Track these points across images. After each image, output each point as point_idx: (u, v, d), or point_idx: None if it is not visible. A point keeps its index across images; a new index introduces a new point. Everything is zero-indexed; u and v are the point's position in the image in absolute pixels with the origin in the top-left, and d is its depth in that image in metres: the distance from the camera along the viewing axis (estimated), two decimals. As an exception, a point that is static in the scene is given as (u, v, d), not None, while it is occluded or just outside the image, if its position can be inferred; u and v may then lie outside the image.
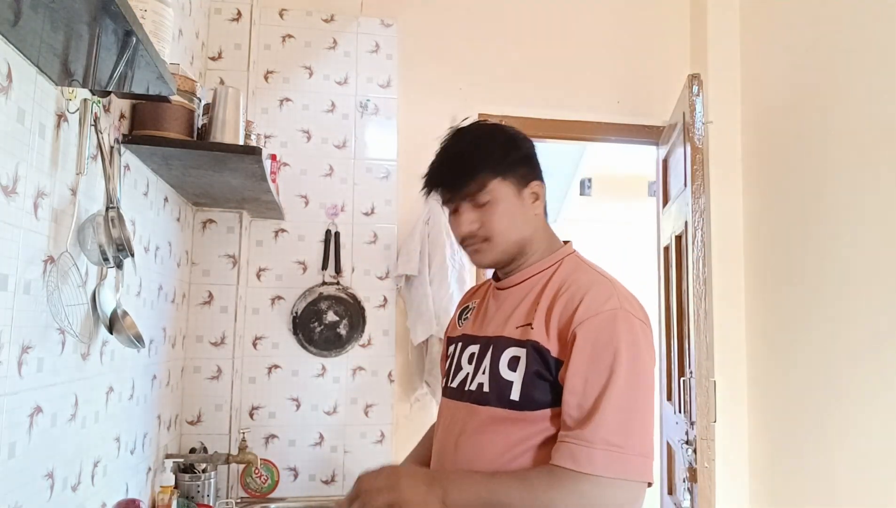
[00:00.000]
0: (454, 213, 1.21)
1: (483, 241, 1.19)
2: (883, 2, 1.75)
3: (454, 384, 1.24)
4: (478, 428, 1.15)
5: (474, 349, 1.22)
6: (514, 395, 1.11)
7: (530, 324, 1.13)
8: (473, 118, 1.26)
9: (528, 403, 1.10)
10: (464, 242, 1.21)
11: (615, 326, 1.07)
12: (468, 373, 1.21)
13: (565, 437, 1.05)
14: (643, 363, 1.08)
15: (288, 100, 2.47)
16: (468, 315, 1.33)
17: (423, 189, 1.22)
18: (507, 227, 1.18)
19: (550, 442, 1.08)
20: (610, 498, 1.02)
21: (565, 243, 1.28)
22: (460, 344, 1.28)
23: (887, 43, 1.72)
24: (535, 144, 1.26)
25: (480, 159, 1.17)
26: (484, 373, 1.16)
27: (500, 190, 1.17)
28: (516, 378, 1.11)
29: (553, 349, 1.10)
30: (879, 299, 1.70)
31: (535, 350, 1.10)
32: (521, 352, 1.12)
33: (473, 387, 1.18)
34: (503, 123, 2.73)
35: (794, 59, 2.18)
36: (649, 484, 1.05)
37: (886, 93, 1.71)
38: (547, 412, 1.10)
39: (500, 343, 1.16)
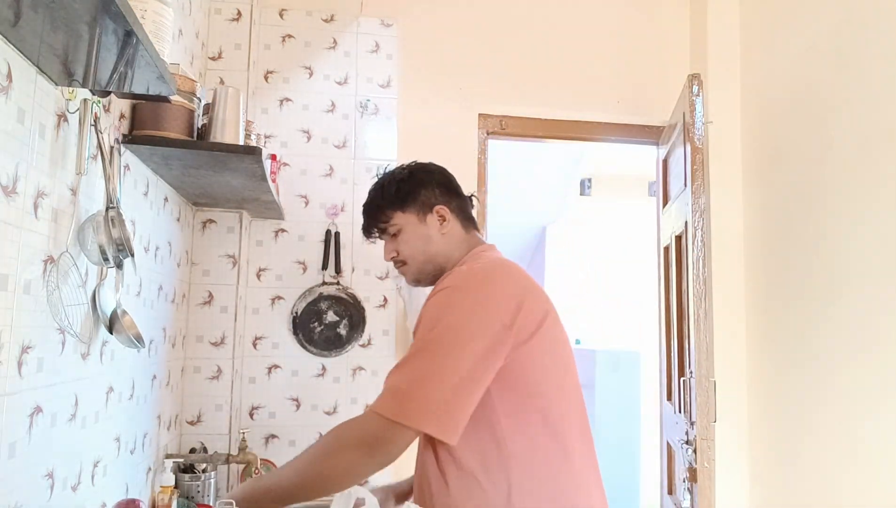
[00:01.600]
0: (384, 244, 1.46)
1: (402, 264, 1.43)
2: (883, 1, 1.75)
3: None
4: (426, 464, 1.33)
5: None
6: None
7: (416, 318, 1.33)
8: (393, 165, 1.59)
9: None
10: (395, 266, 1.47)
11: (439, 305, 1.25)
12: None
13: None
14: (464, 328, 1.19)
15: (288, 100, 2.47)
16: None
17: (362, 231, 1.49)
18: (417, 249, 1.40)
19: (484, 418, 1.21)
20: (356, 428, 1.21)
21: (486, 245, 1.44)
22: None
23: (887, 43, 1.72)
24: (442, 170, 1.47)
25: (382, 199, 1.43)
26: None
27: (402, 220, 1.40)
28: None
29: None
30: (879, 299, 1.70)
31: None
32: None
33: None
34: (503, 123, 2.77)
35: (794, 59, 2.18)
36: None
37: (887, 93, 1.71)
38: None
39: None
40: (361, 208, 1.48)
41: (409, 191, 1.41)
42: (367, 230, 1.47)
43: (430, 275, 1.41)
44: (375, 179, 1.50)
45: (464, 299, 1.23)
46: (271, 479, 1.24)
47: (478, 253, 1.40)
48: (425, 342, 1.20)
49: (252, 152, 1.70)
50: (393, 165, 2.51)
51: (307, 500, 1.19)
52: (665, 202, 2.76)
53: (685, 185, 2.33)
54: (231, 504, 1.14)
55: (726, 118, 2.49)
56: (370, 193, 1.47)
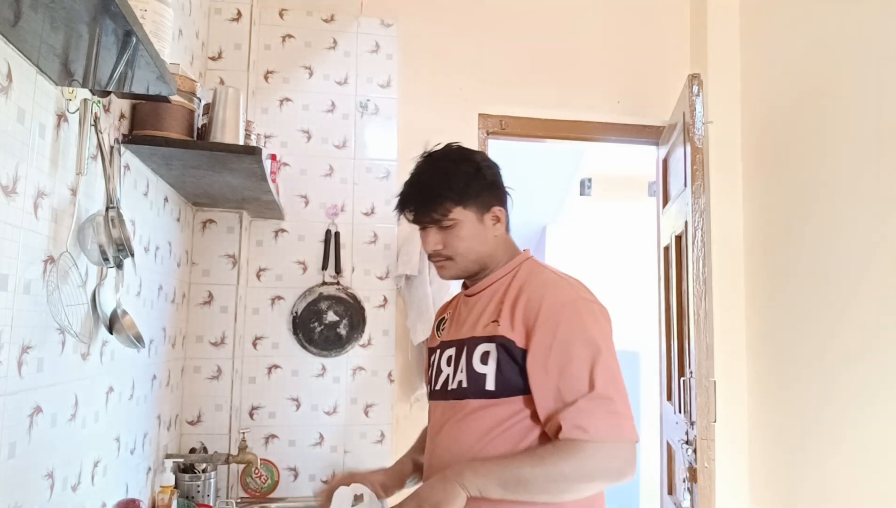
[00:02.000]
0: (422, 230, 1.37)
1: (446, 259, 1.35)
2: (883, 1, 1.75)
3: (437, 387, 1.38)
4: (458, 420, 1.29)
5: (451, 352, 1.35)
6: (490, 385, 1.25)
7: (496, 321, 1.28)
8: (447, 141, 1.41)
9: (502, 390, 1.24)
10: (430, 257, 1.38)
11: (581, 314, 1.24)
12: (448, 374, 1.34)
13: (566, 412, 1.17)
14: (611, 340, 1.26)
15: (288, 100, 2.47)
16: (444, 326, 1.46)
17: (395, 209, 1.38)
18: (468, 248, 1.34)
19: (520, 425, 1.24)
20: (614, 459, 1.18)
21: (525, 250, 1.45)
22: (439, 351, 1.41)
23: (887, 43, 1.72)
24: (499, 168, 1.41)
25: (446, 188, 1.31)
26: (462, 371, 1.29)
27: (461, 216, 1.32)
28: (489, 370, 1.25)
29: (518, 340, 1.24)
30: (879, 299, 1.70)
31: (502, 344, 1.25)
32: (490, 347, 1.26)
33: (454, 385, 1.31)
34: (503, 123, 2.76)
35: (794, 59, 2.18)
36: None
37: (886, 93, 1.71)
38: (519, 398, 1.24)
39: (472, 342, 1.30)
40: (408, 186, 1.35)
41: (477, 189, 1.33)
42: (418, 218, 1.34)
43: (469, 273, 1.38)
44: (422, 157, 1.37)
45: (596, 312, 1.27)
46: (509, 472, 1.19)
47: (532, 262, 1.39)
48: (594, 356, 1.20)
49: (252, 152, 1.70)
50: (390, 165, 2.47)
51: (526, 500, 1.19)
52: (665, 202, 2.76)
53: (685, 185, 2.33)
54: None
55: (726, 118, 2.49)
56: (427, 176, 1.34)
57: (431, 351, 1.46)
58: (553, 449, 1.18)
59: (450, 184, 1.31)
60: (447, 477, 1.18)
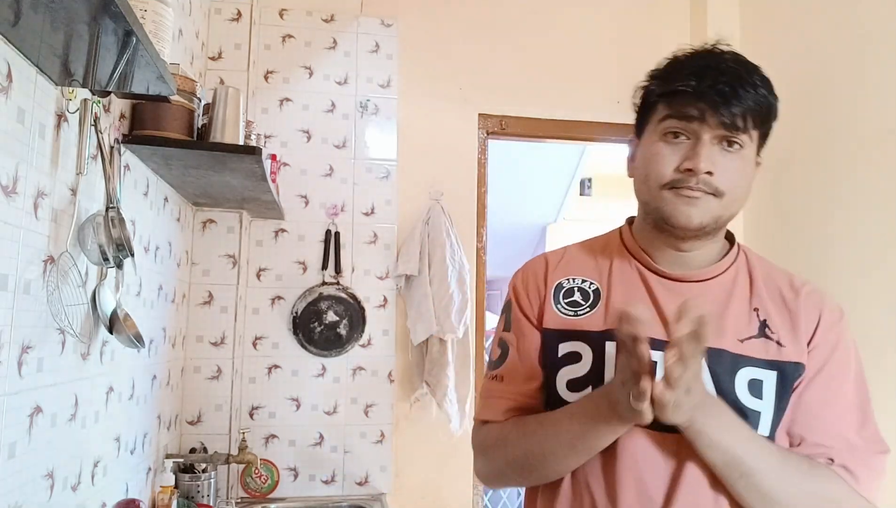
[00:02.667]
0: (689, 139, 0.92)
1: (713, 193, 0.91)
2: (883, 2, 1.75)
3: None
4: (712, 475, 0.89)
5: (655, 357, 0.85)
6: (763, 429, 0.90)
7: (777, 341, 0.92)
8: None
9: (772, 435, 0.91)
10: (684, 182, 0.91)
11: (845, 326, 0.97)
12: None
13: (839, 449, 0.91)
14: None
15: (288, 100, 2.47)
16: (585, 303, 1.00)
17: (675, 84, 0.91)
18: (743, 186, 0.93)
19: None
20: None
21: None
22: (611, 344, 0.93)
23: (888, 43, 1.72)
24: None
25: (772, 99, 0.94)
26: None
27: (750, 147, 0.94)
28: (763, 408, 0.90)
29: (806, 364, 0.92)
30: (880, 299, 1.70)
31: (784, 374, 0.91)
32: (766, 375, 0.91)
33: None
34: (503, 123, 2.77)
35: (793, 59, 2.18)
36: None
37: (887, 92, 1.71)
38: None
39: (725, 359, 0.91)
40: (722, 65, 0.91)
41: (775, 114, 0.97)
42: (724, 106, 0.89)
43: (713, 230, 0.95)
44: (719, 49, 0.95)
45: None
46: (751, 447, 0.87)
47: (745, 246, 1.05)
48: (866, 394, 0.96)
49: (252, 152, 1.70)
50: (390, 165, 2.46)
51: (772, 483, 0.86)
52: (665, 202, 2.75)
53: (685, 185, 2.33)
54: None
55: (726, 118, 2.49)
56: (751, 68, 0.94)
57: (559, 336, 0.99)
58: (815, 469, 0.89)
59: (772, 94, 0.95)
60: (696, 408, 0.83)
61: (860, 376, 0.95)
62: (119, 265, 1.36)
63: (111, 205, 1.32)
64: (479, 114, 2.64)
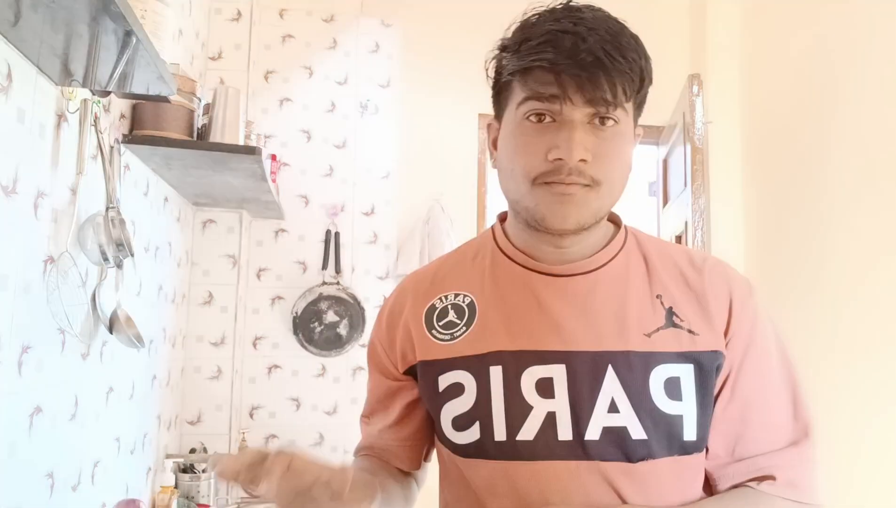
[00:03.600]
0: (559, 121, 0.76)
1: (589, 184, 0.76)
2: (883, 2, 1.75)
3: (526, 436, 0.77)
4: (649, 496, 0.76)
5: (549, 372, 0.78)
6: (689, 433, 0.77)
7: (690, 329, 0.79)
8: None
9: (704, 440, 0.79)
10: (555, 174, 0.76)
11: (757, 302, 0.85)
12: (561, 413, 0.77)
13: (778, 462, 0.80)
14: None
15: (288, 100, 2.47)
16: (461, 321, 0.85)
17: (529, 58, 0.75)
18: (621, 173, 0.80)
19: (700, 483, 0.82)
20: None
21: None
22: (496, 369, 0.79)
23: (888, 43, 1.72)
24: None
25: (644, 61, 0.79)
26: (617, 411, 0.76)
27: (626, 120, 0.79)
28: (685, 410, 0.77)
29: (726, 353, 0.80)
30: (880, 299, 1.70)
31: (701, 366, 0.78)
32: (682, 370, 0.78)
33: (596, 435, 0.76)
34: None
35: (794, 59, 2.18)
36: None
37: (886, 92, 1.71)
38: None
39: (635, 361, 0.78)
40: (583, 31, 0.74)
41: (647, 85, 0.82)
42: (591, 83, 0.74)
43: (591, 224, 0.80)
44: (582, 6, 0.79)
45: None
46: None
47: (629, 226, 0.91)
48: (797, 370, 0.84)
49: (252, 152, 1.70)
50: (390, 164, 2.44)
51: None
52: (665, 202, 2.76)
53: (685, 185, 2.33)
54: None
55: (726, 118, 2.49)
56: (617, 30, 0.77)
57: (440, 367, 0.83)
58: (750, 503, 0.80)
59: (645, 58, 0.80)
60: None
61: (783, 354, 0.84)
62: (119, 265, 1.36)
63: (111, 205, 1.32)
64: (479, 114, 2.64)
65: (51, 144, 1.16)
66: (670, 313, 0.81)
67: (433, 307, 0.86)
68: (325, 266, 2.42)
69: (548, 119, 0.77)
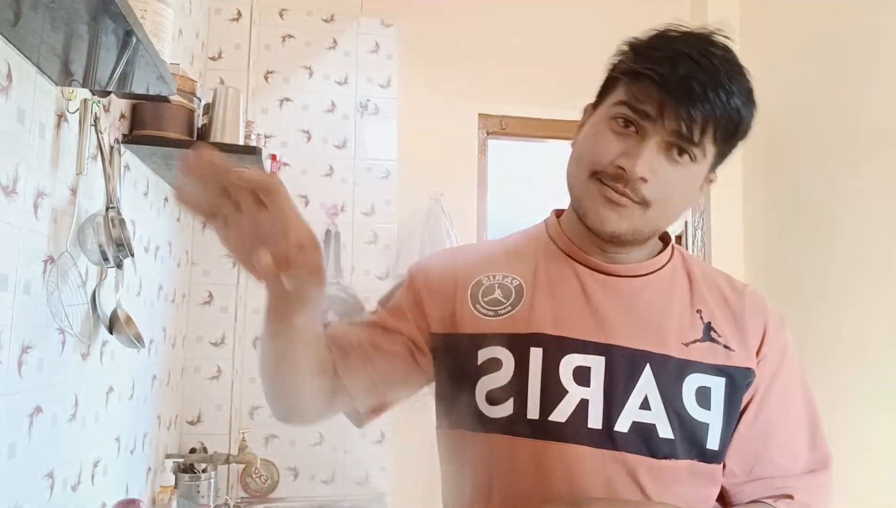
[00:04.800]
0: (641, 134, 0.79)
1: (640, 202, 0.79)
2: (884, 2, 1.75)
3: (558, 418, 0.78)
4: (667, 495, 0.78)
5: (588, 362, 0.80)
6: (713, 443, 0.80)
7: (726, 345, 0.82)
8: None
9: (724, 452, 0.82)
10: (613, 179, 0.78)
11: (788, 334, 0.90)
12: (595, 402, 0.79)
13: (795, 484, 0.83)
14: None
15: (288, 100, 2.47)
16: (506, 300, 0.85)
17: (644, 66, 0.80)
18: (677, 205, 0.82)
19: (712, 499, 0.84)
20: None
21: None
22: (537, 350, 0.81)
23: (888, 43, 1.72)
24: None
25: (747, 123, 0.83)
26: (648, 408, 0.78)
27: (703, 162, 0.82)
28: (712, 419, 0.80)
29: (756, 373, 0.83)
30: (881, 299, 1.70)
31: (733, 380, 0.81)
32: (714, 383, 0.81)
33: (625, 428, 0.78)
34: (503, 123, 2.76)
35: (794, 60, 2.18)
36: None
37: (887, 92, 1.71)
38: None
39: (672, 366, 0.80)
40: (711, 74, 0.78)
41: (743, 132, 0.85)
42: (690, 121, 0.76)
43: (630, 242, 0.84)
44: (704, 36, 0.86)
45: None
46: None
47: (679, 247, 0.95)
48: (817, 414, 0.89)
49: (252, 152, 1.70)
50: (390, 165, 2.44)
51: None
52: (665, 202, 2.75)
53: (685, 185, 2.33)
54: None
55: (726, 118, 2.49)
56: (728, 68, 0.81)
57: (479, 341, 0.84)
58: None
59: (750, 115, 0.83)
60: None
61: (806, 387, 0.88)
62: (119, 265, 1.36)
63: (111, 205, 1.32)
64: (479, 114, 2.64)
65: (51, 144, 1.16)
66: (708, 327, 0.84)
67: (479, 283, 0.87)
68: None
69: (632, 129, 0.80)
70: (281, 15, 2.49)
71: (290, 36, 2.49)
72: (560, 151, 4.59)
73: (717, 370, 0.81)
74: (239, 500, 2.24)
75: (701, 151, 0.80)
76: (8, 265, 1.03)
